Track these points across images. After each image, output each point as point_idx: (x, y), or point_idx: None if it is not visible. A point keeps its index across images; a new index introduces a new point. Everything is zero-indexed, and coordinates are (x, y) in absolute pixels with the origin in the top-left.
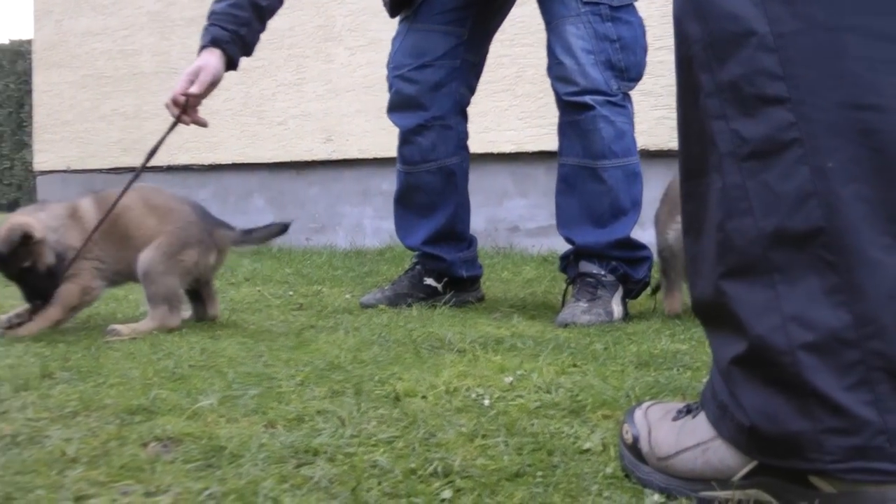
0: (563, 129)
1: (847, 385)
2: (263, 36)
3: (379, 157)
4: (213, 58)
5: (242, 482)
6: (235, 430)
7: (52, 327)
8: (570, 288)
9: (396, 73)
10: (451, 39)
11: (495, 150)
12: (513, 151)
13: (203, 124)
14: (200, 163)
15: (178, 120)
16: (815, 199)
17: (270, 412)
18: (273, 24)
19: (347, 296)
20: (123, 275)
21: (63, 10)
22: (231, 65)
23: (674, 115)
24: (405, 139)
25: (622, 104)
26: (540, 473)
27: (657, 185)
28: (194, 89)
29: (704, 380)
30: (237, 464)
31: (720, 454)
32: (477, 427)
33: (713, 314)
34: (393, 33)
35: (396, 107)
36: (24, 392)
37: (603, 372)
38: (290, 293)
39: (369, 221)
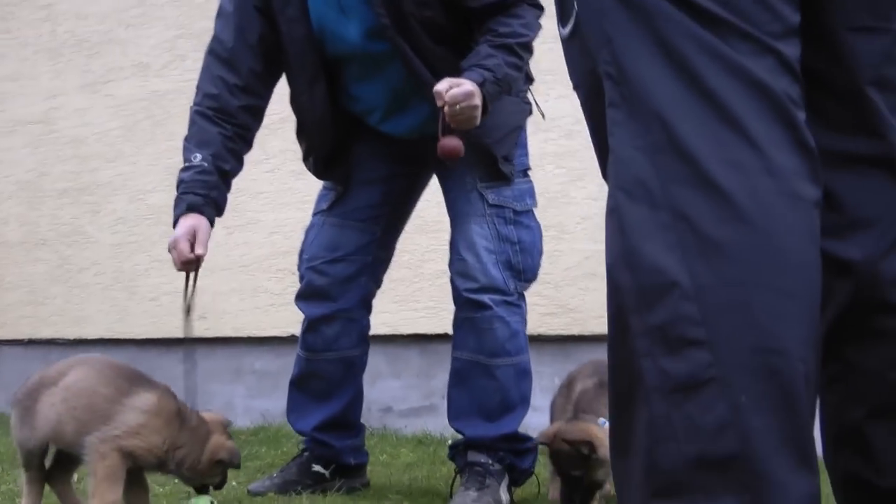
0: (460, 323)
1: None
2: (139, 212)
3: (253, 335)
4: (201, 219)
5: None
6: None
7: None
8: (459, 476)
9: (310, 265)
10: (366, 236)
11: (370, 332)
12: (387, 334)
13: None
14: (65, 337)
15: (195, 279)
16: (731, 430)
17: None
18: (152, 200)
19: (234, 483)
20: None
21: None
22: None
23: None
24: (311, 327)
25: (517, 304)
26: None
27: None
28: (199, 250)
29: None
30: None
31: None
32: None
33: None
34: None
35: (306, 296)
36: None
37: None
38: (175, 480)
39: (240, 400)
